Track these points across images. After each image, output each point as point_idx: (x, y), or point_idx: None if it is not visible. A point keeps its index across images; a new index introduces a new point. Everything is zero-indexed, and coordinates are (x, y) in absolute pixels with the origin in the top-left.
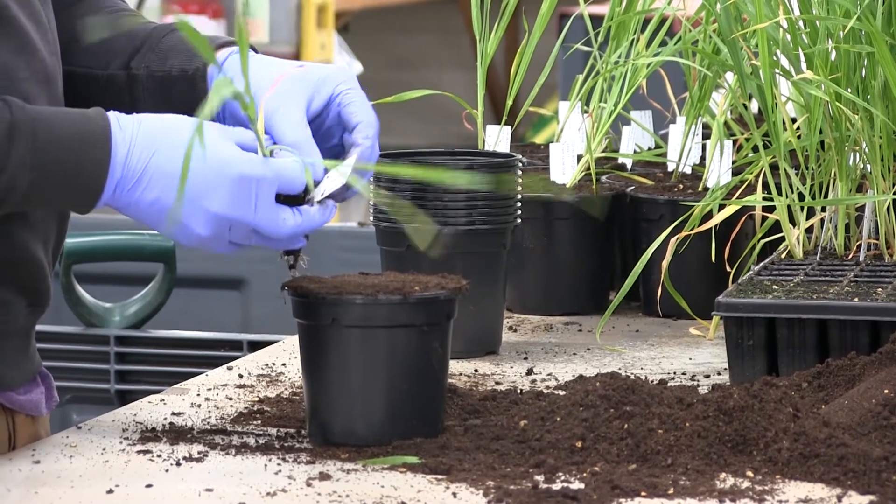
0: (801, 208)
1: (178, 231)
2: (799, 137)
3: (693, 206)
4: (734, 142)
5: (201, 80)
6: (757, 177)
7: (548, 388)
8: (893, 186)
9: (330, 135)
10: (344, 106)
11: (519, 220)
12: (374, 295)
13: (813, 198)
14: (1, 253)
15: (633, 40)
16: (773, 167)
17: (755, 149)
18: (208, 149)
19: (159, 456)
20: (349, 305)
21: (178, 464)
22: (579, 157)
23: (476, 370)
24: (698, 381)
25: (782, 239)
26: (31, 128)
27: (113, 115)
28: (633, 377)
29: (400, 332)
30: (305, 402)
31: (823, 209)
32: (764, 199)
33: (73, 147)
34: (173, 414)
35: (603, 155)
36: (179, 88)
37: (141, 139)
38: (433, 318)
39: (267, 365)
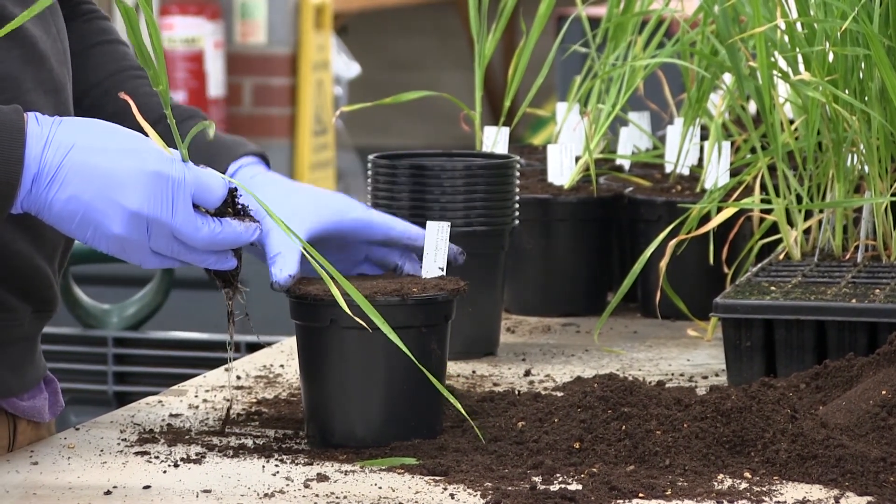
0: (799, 210)
1: (93, 231)
2: (797, 139)
3: (691, 207)
4: (732, 143)
5: None
6: (755, 178)
7: (546, 389)
8: (891, 188)
9: (356, 252)
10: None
11: (517, 222)
12: (373, 296)
13: (811, 199)
14: (3, 262)
15: (630, 41)
16: (771, 168)
17: (753, 150)
18: (125, 143)
19: (157, 457)
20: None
21: (176, 465)
22: (577, 159)
23: (474, 371)
24: (696, 382)
25: (780, 240)
26: None
27: (31, 113)
28: (630, 378)
29: (398, 333)
30: (303, 403)
31: (821, 211)
32: (762, 200)
33: None
34: (171, 415)
35: (601, 156)
36: None
37: (59, 136)
38: (431, 320)
39: (265, 366)
